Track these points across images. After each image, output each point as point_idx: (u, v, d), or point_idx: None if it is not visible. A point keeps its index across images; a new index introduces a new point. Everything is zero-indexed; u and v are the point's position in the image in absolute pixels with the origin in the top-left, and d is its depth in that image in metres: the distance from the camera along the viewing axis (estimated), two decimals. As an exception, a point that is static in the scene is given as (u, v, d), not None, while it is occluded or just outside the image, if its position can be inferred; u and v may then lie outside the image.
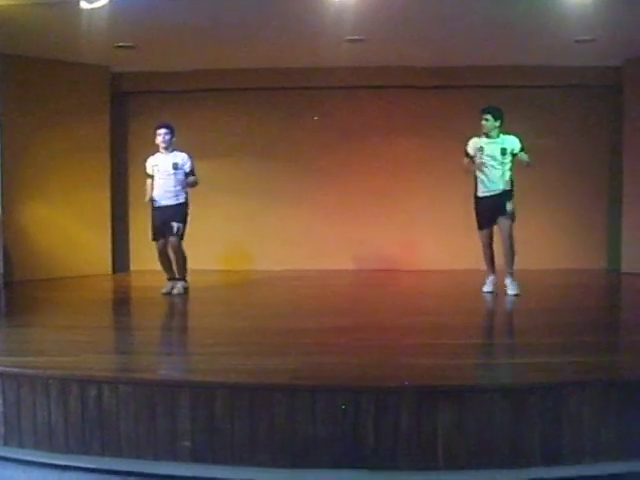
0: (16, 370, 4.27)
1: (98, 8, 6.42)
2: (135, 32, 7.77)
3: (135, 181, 10.11)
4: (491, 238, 7.38)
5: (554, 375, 4.18)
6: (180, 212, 7.52)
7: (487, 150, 7.16)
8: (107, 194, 9.64)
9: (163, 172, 7.53)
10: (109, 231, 9.67)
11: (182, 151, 7.64)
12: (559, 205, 9.68)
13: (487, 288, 7.45)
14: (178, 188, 7.54)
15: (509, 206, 7.07)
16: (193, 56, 8.88)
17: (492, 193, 7.16)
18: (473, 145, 7.28)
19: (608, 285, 8.90)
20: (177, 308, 7.08)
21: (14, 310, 7.40)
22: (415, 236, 8.85)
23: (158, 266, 9.31)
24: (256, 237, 9.90)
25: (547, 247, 9.58)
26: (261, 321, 6.18)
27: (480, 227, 7.36)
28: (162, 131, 7.55)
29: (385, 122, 8.76)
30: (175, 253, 7.60)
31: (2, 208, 8.69)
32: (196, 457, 3.94)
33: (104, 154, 9.59)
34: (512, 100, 9.49)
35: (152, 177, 7.60)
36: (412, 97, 9.52)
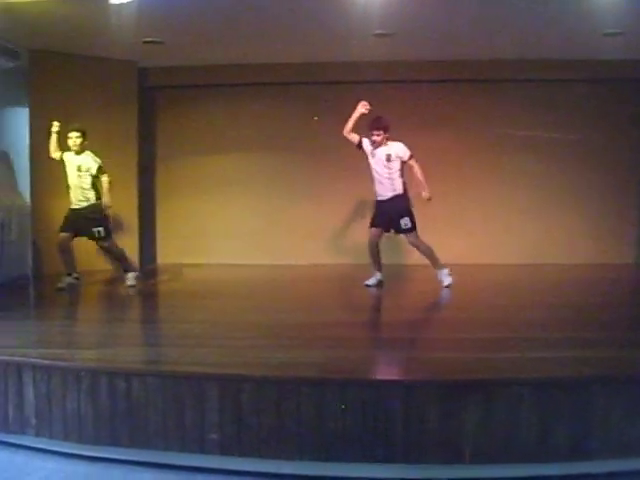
0: (47, 362, 4.33)
1: (126, 3, 6.45)
2: (163, 27, 7.79)
3: (162, 175, 10.20)
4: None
5: (582, 370, 4.16)
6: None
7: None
8: (134, 188, 9.69)
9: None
10: (136, 224, 9.72)
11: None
12: (588, 200, 9.60)
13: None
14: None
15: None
16: (220, 51, 8.89)
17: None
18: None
19: (637, 280, 8.82)
20: (203, 301, 7.12)
21: (43, 303, 7.50)
22: (440, 230, 8.81)
23: (185, 259, 9.41)
24: (279, 231, 9.92)
25: (576, 242, 9.51)
26: (286, 315, 6.20)
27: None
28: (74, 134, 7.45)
29: (412, 117, 8.71)
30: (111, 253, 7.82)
31: (32, 202, 8.81)
32: (223, 449, 3.98)
33: (131, 148, 9.64)
34: (539, 94, 9.47)
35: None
36: (440, 91, 9.47)
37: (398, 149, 7.26)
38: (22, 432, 4.35)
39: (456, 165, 9.53)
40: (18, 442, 4.50)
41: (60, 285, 7.48)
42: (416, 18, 7.35)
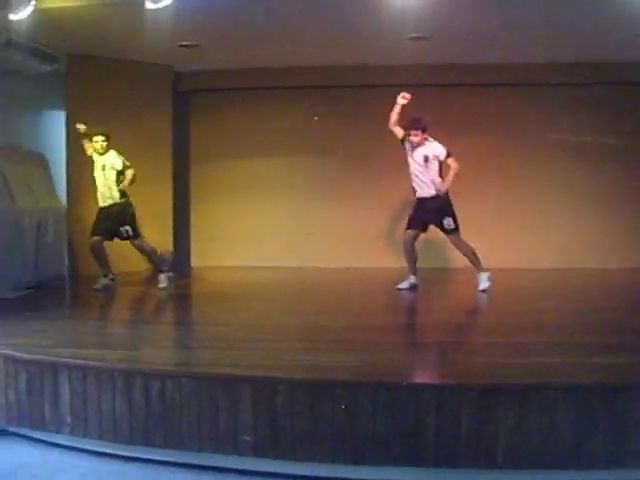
0: (82, 362, 4.36)
1: (162, 8, 6.49)
2: (198, 31, 7.84)
3: (196, 178, 10.26)
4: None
5: (619, 376, 4.10)
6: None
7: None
8: (169, 191, 9.77)
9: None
10: (171, 227, 9.80)
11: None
12: (618, 203, 9.51)
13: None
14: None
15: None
16: (254, 54, 8.92)
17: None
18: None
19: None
20: (236, 304, 7.14)
21: (79, 303, 7.59)
22: (475, 234, 8.76)
23: (218, 262, 9.47)
24: (315, 234, 9.93)
25: (605, 246, 9.42)
26: (319, 318, 6.19)
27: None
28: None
29: (447, 120, 8.66)
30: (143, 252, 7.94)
31: (68, 204, 8.92)
32: (257, 451, 3.97)
33: (166, 151, 9.72)
34: (572, 98, 9.38)
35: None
36: (475, 95, 9.43)
37: (435, 149, 7.26)
38: (57, 430, 4.39)
39: (487, 168, 9.47)
40: (54, 440, 4.56)
41: (96, 286, 7.59)
42: (451, 22, 7.33)
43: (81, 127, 7.62)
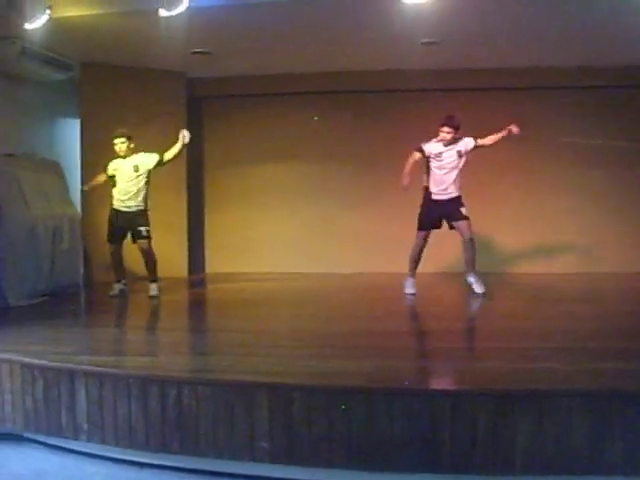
0: (98, 369, 4.37)
1: (175, 16, 6.52)
2: (211, 38, 7.88)
3: (210, 185, 10.29)
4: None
5: (635, 382, 4.07)
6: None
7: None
8: (183, 197, 9.79)
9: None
10: (185, 234, 9.81)
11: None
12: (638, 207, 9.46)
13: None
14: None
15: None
16: (267, 60, 8.95)
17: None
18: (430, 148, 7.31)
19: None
20: (251, 310, 7.15)
21: (95, 310, 7.61)
22: (488, 238, 8.75)
23: (233, 268, 9.48)
24: (331, 240, 9.93)
25: (625, 250, 9.36)
26: (333, 324, 6.19)
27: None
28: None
29: (462, 125, 8.65)
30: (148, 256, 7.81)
31: (83, 211, 8.96)
32: (273, 458, 3.97)
33: (180, 158, 9.70)
34: (588, 101, 9.35)
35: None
36: (488, 99, 9.40)
37: (466, 142, 7.29)
38: (75, 437, 4.41)
39: (503, 173, 9.44)
40: (70, 447, 4.59)
41: (112, 292, 7.68)
42: (462, 26, 7.31)
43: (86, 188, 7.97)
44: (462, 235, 7.26)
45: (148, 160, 7.59)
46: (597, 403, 3.78)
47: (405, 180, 7.20)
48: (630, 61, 8.67)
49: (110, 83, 8.99)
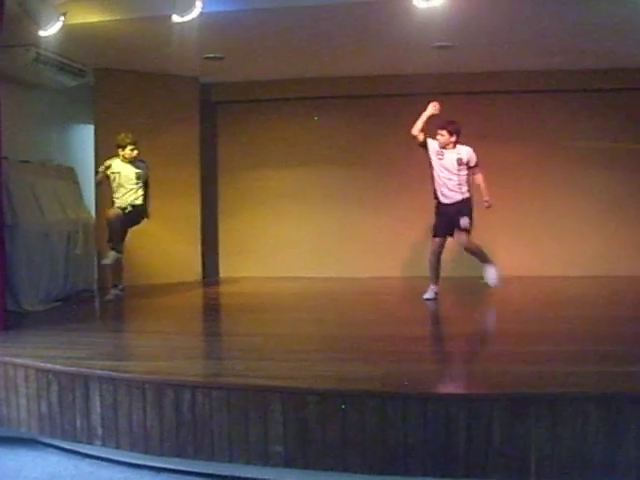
0: (113, 374, 4.38)
1: (188, 21, 6.55)
2: (224, 43, 7.90)
3: (224, 189, 10.31)
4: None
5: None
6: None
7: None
8: (197, 202, 9.81)
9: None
10: (199, 238, 9.84)
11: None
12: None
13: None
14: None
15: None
16: (280, 65, 8.98)
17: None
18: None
19: None
20: (265, 314, 7.15)
21: (109, 315, 7.64)
22: (500, 242, 8.73)
23: (247, 272, 9.49)
24: (346, 245, 9.95)
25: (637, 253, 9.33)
26: (348, 328, 6.18)
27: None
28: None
29: (476, 129, 8.64)
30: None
31: (97, 216, 8.99)
32: (287, 462, 3.97)
33: (194, 163, 9.78)
34: (602, 103, 9.31)
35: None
36: (503, 102, 9.39)
37: (468, 154, 7.25)
38: (89, 442, 4.42)
39: (516, 176, 9.42)
40: (85, 451, 4.60)
41: (108, 297, 7.81)
42: (475, 30, 7.31)
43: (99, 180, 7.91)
44: (462, 245, 7.32)
45: (144, 173, 7.80)
46: (612, 407, 3.75)
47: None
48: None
49: (124, 89, 9.04)
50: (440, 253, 7.36)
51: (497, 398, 3.85)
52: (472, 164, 7.23)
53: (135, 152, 7.68)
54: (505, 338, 5.65)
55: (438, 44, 7.85)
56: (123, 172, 7.68)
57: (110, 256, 7.66)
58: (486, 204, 7.18)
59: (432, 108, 7.18)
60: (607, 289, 8.50)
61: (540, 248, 9.48)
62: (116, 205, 7.73)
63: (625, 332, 5.74)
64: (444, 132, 7.16)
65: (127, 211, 7.70)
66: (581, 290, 8.52)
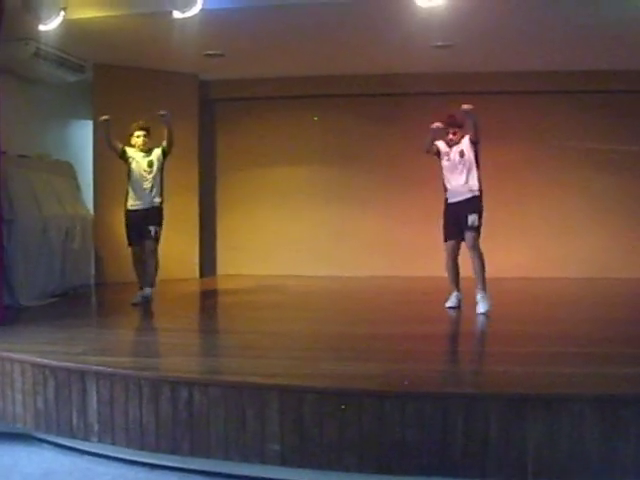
0: (109, 370, 4.36)
1: (189, 17, 6.54)
2: (224, 40, 7.91)
3: (223, 186, 10.30)
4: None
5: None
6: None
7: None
8: (195, 199, 9.83)
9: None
10: (197, 235, 9.85)
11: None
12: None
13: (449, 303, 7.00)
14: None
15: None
16: (280, 63, 8.97)
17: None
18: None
19: None
20: (263, 312, 7.14)
21: (106, 311, 7.62)
22: (500, 243, 8.73)
23: (245, 270, 9.44)
24: (344, 243, 9.95)
25: (637, 255, 9.33)
26: (348, 327, 6.17)
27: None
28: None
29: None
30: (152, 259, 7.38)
31: (95, 211, 8.98)
32: (284, 460, 3.96)
33: (193, 160, 9.78)
34: (600, 105, 9.32)
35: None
36: (501, 103, 9.38)
37: (465, 141, 6.75)
38: (85, 438, 4.40)
39: (515, 177, 9.42)
40: (81, 447, 4.59)
41: (135, 300, 7.24)
42: (474, 30, 7.33)
43: (105, 117, 7.14)
44: (467, 245, 6.77)
45: (158, 153, 7.29)
46: (610, 407, 3.75)
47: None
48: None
49: (123, 85, 9.03)
50: (456, 256, 6.89)
51: (495, 398, 3.84)
52: (467, 142, 6.73)
53: (144, 140, 7.29)
54: (503, 338, 5.64)
55: (438, 44, 7.84)
56: (136, 160, 7.26)
57: (137, 295, 7.28)
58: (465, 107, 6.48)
59: (434, 127, 6.75)
60: (604, 291, 8.51)
61: (537, 249, 9.48)
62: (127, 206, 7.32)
63: (622, 334, 5.73)
64: (454, 129, 6.77)
65: (136, 210, 7.27)
66: (578, 291, 8.53)
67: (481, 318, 6.45)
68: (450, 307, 6.91)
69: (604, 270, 9.23)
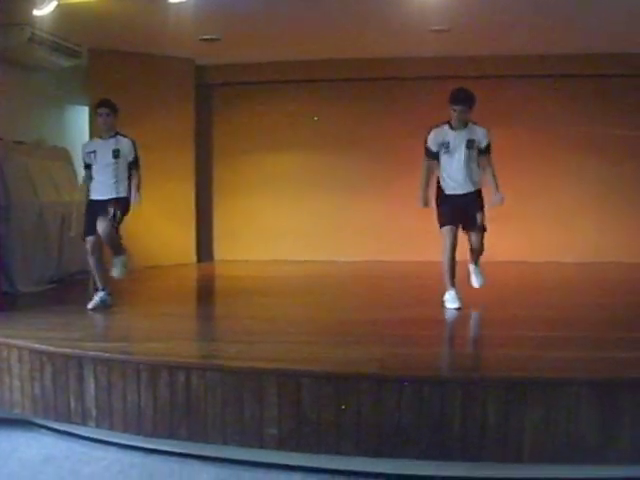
0: (107, 355, 4.37)
1: (184, 2, 6.50)
2: (219, 24, 7.85)
3: (219, 172, 10.27)
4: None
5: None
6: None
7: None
8: (192, 185, 9.79)
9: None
10: (194, 221, 9.83)
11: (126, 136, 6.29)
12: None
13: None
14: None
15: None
16: (276, 48, 8.91)
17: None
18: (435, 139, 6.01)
19: None
20: (261, 297, 7.13)
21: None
22: (499, 228, 8.72)
23: (241, 256, 9.42)
24: (340, 228, 9.93)
25: (637, 240, 9.33)
26: (346, 312, 6.18)
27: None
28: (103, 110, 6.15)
29: (473, 113, 8.62)
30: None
31: (91, 198, 8.94)
32: (282, 444, 3.97)
33: (189, 145, 9.74)
34: (600, 89, 9.28)
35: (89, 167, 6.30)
36: (499, 87, 9.34)
37: (482, 134, 5.94)
38: (83, 423, 4.42)
39: (514, 162, 9.38)
40: (78, 432, 4.60)
41: (92, 305, 6.16)
42: (472, 14, 7.28)
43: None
44: (471, 243, 6.18)
45: (128, 151, 6.22)
46: (607, 392, 3.77)
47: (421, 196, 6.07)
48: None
49: (118, 70, 8.96)
50: (454, 245, 5.94)
51: (492, 382, 3.86)
52: (482, 146, 5.96)
53: (108, 119, 6.17)
54: (500, 323, 5.65)
55: (434, 28, 7.80)
56: (99, 150, 6.21)
57: (94, 298, 6.24)
58: (496, 202, 5.98)
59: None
60: (601, 275, 8.52)
61: (533, 234, 9.47)
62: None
63: (618, 318, 5.75)
64: (464, 107, 5.84)
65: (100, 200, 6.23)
66: (575, 276, 8.54)
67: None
68: (457, 308, 6.00)
69: (606, 255, 9.23)
